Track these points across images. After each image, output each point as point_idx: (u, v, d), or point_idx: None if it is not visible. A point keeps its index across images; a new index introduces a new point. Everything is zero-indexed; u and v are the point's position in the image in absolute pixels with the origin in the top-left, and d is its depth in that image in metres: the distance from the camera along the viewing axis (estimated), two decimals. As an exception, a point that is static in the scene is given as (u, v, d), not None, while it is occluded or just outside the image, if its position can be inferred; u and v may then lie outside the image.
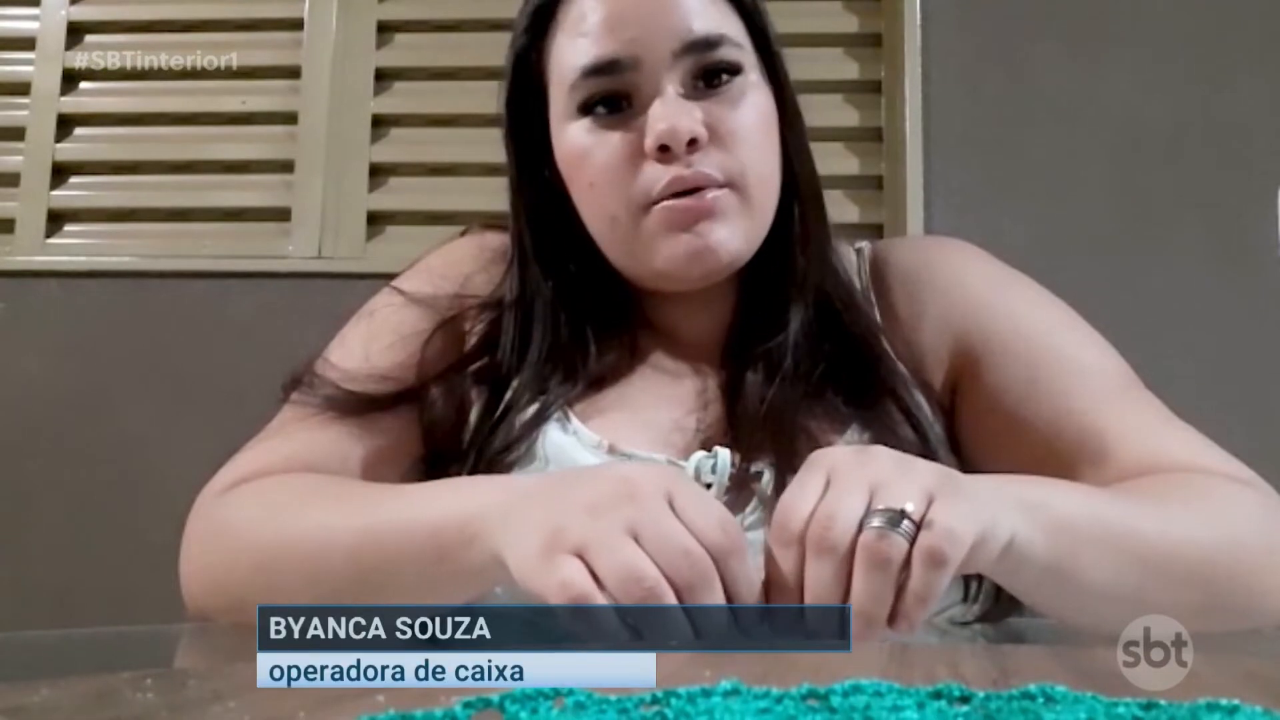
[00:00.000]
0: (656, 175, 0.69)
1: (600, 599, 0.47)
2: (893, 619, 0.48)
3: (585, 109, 0.72)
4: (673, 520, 0.49)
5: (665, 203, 0.69)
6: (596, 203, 0.73)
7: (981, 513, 0.50)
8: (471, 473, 0.72)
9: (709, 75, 0.71)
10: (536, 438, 0.72)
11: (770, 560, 0.51)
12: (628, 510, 0.49)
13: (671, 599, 0.47)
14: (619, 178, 0.70)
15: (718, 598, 0.49)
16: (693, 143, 0.69)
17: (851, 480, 0.50)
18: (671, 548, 0.48)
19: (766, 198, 0.73)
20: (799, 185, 0.76)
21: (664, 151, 0.69)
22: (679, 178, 0.69)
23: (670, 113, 0.69)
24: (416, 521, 0.59)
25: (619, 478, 0.52)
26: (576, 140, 0.72)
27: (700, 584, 0.48)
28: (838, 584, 0.48)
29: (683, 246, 0.70)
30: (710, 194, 0.69)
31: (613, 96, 0.71)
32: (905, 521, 0.48)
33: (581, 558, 0.48)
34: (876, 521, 0.48)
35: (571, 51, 0.72)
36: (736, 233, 0.70)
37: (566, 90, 0.72)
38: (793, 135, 0.75)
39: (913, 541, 0.48)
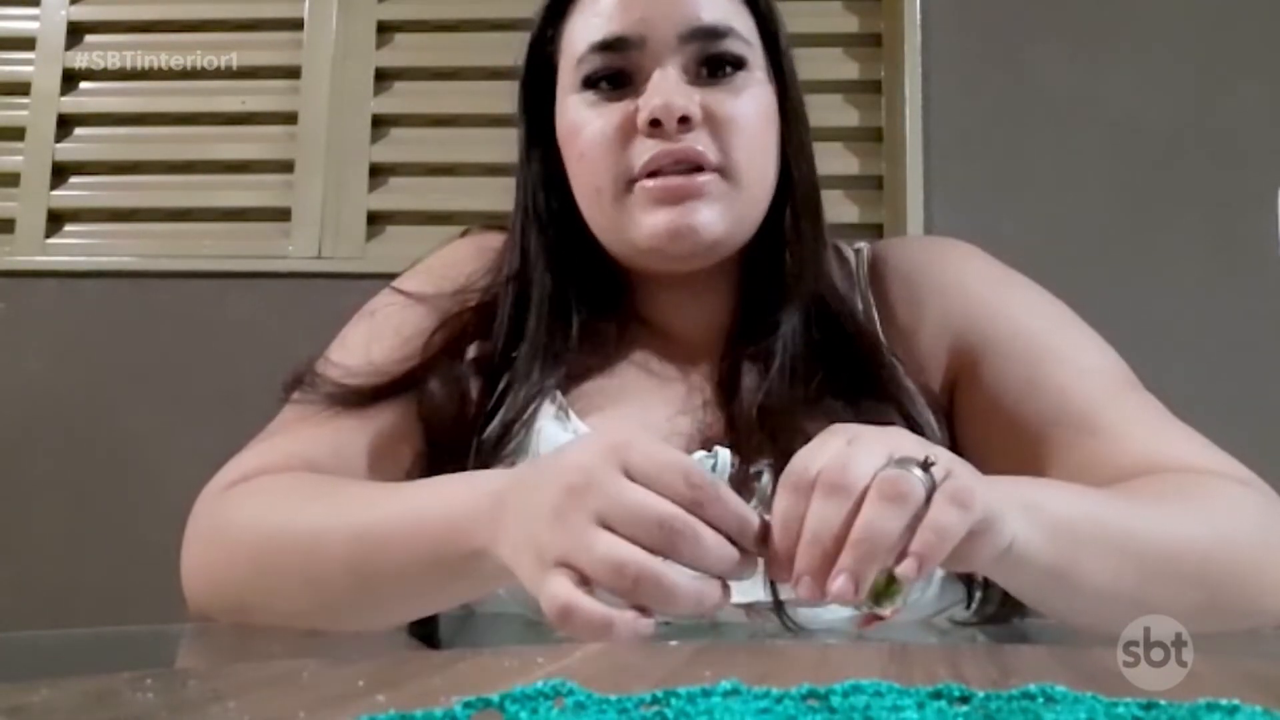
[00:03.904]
0: (645, 150, 0.70)
1: (585, 602, 0.47)
2: (900, 560, 0.46)
3: (588, 83, 0.73)
4: (634, 492, 0.48)
5: (651, 180, 0.70)
6: (585, 174, 0.74)
7: (992, 498, 0.50)
8: (473, 466, 0.72)
9: (712, 65, 0.72)
10: (530, 431, 0.72)
11: (777, 506, 0.49)
12: (587, 502, 0.49)
13: (661, 571, 0.47)
14: (609, 150, 0.71)
15: (707, 542, 0.48)
16: (685, 121, 0.69)
17: (872, 440, 0.49)
18: (642, 521, 0.48)
19: (757, 189, 0.73)
20: (794, 188, 0.76)
21: (655, 126, 0.70)
22: (666, 150, 0.69)
23: (666, 89, 0.70)
24: (413, 527, 0.59)
25: (570, 469, 0.51)
26: (575, 112, 0.74)
27: (683, 539, 0.47)
28: (842, 523, 0.46)
29: (665, 222, 0.70)
30: (699, 177, 0.70)
31: (616, 74, 0.72)
32: (926, 474, 0.47)
33: (568, 566, 0.48)
34: (895, 466, 0.47)
35: (584, 28, 0.73)
36: (722, 216, 0.71)
37: (574, 65, 0.74)
38: (793, 138, 0.76)
39: (929, 494, 0.47)
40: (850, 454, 0.48)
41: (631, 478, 0.49)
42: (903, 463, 0.48)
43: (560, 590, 0.48)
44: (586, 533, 0.48)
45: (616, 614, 0.47)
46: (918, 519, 0.47)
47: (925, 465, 0.47)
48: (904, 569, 0.46)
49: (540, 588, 0.49)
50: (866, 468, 0.48)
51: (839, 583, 0.46)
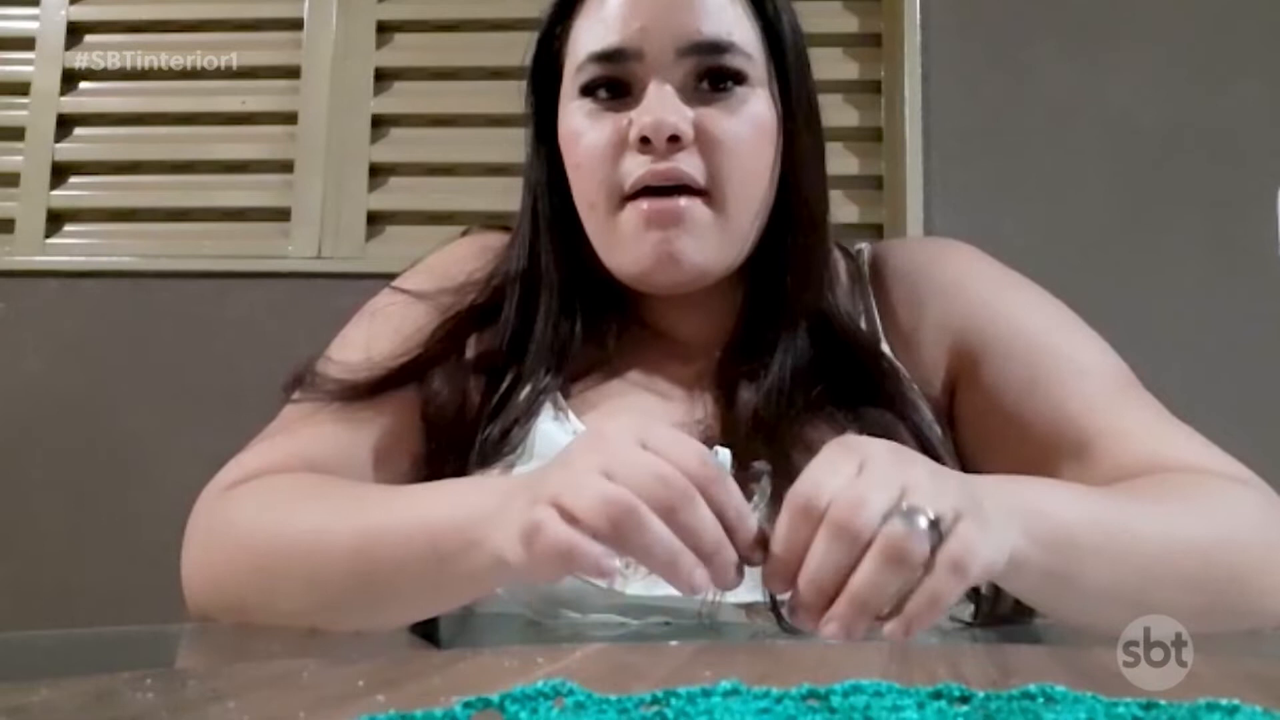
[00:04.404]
0: (634, 166, 0.70)
1: (556, 525, 0.47)
2: (889, 618, 0.47)
3: (587, 91, 0.73)
4: (644, 453, 0.49)
5: (638, 202, 0.70)
6: (580, 185, 0.74)
7: (1001, 540, 0.50)
8: (474, 465, 0.72)
9: (711, 79, 0.71)
10: (529, 432, 0.72)
11: (781, 525, 0.49)
12: (597, 456, 0.49)
13: (645, 512, 0.47)
14: (601, 163, 0.72)
15: (703, 514, 0.48)
16: (675, 140, 0.69)
17: (886, 473, 0.49)
18: (644, 474, 0.48)
19: (744, 212, 0.73)
20: (794, 206, 0.75)
21: (645, 144, 0.69)
22: (653, 170, 0.69)
23: (657, 107, 0.69)
24: (414, 526, 0.58)
25: (590, 434, 0.53)
26: (574, 120, 0.74)
27: (681, 502, 0.48)
28: (845, 565, 0.47)
29: (649, 250, 0.70)
30: (683, 201, 0.70)
31: (614, 82, 0.72)
32: (932, 530, 0.47)
33: (557, 506, 0.49)
34: (902, 521, 0.47)
35: (587, 35, 0.73)
36: (704, 245, 0.71)
37: (574, 71, 0.74)
38: (797, 154, 0.75)
39: (934, 549, 0.47)
40: (862, 491, 0.48)
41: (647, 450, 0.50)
42: (910, 514, 0.47)
43: (537, 514, 0.48)
44: (587, 476, 0.49)
45: (582, 540, 0.47)
46: (918, 573, 0.47)
47: (931, 523, 0.47)
48: (891, 630, 0.47)
49: (522, 523, 0.49)
50: (876, 510, 0.47)
51: (830, 628, 0.47)
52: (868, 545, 0.46)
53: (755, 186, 0.73)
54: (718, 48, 0.71)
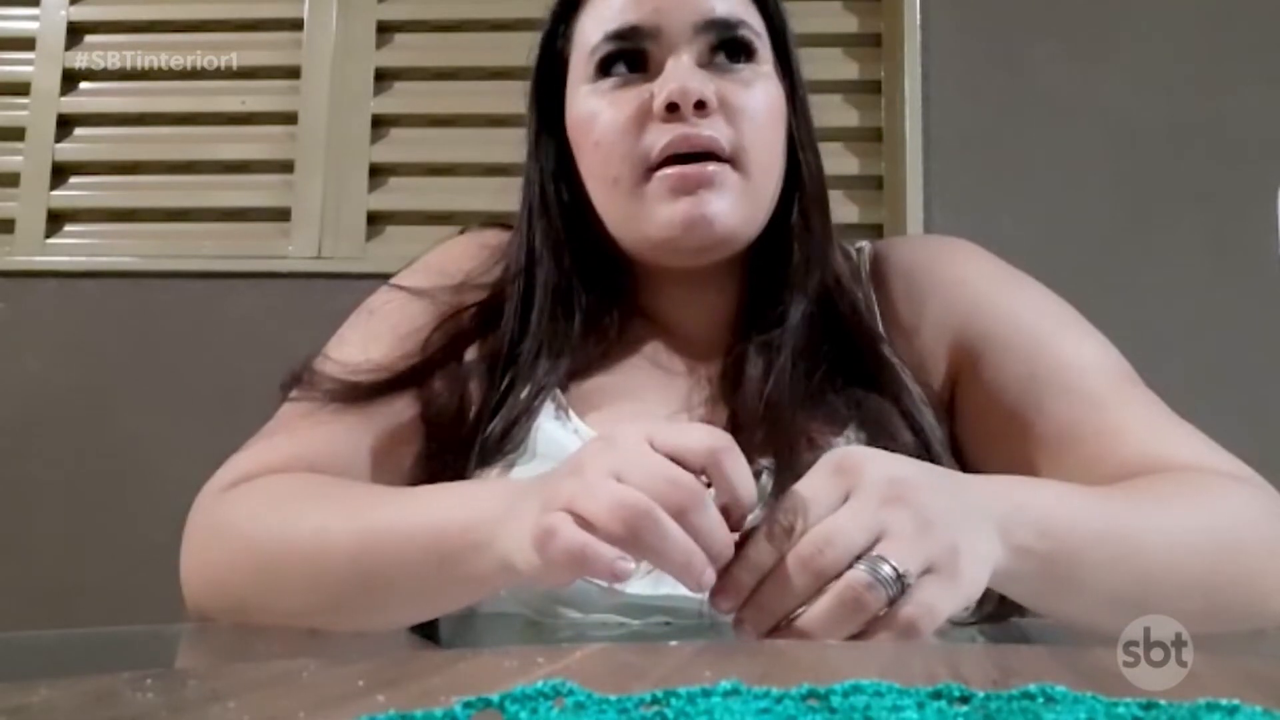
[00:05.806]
0: (661, 135, 0.71)
1: (570, 528, 0.48)
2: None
3: (602, 69, 0.74)
4: (654, 455, 0.49)
5: (666, 169, 0.70)
6: (600, 163, 0.74)
7: (969, 587, 0.50)
8: (475, 465, 0.72)
9: (727, 51, 0.73)
10: (530, 430, 0.72)
11: (749, 546, 0.50)
12: (607, 459, 0.50)
13: (660, 514, 0.47)
14: (624, 136, 0.72)
15: (712, 515, 0.48)
16: (701, 106, 0.70)
17: (866, 511, 0.48)
18: (655, 477, 0.48)
19: (767, 182, 0.74)
20: (802, 181, 0.77)
21: (671, 111, 0.70)
22: (683, 136, 0.70)
23: (682, 74, 0.71)
24: (418, 526, 0.58)
25: (600, 439, 0.53)
26: (588, 102, 0.74)
27: (691, 503, 0.48)
28: (801, 599, 0.48)
29: (680, 213, 0.70)
30: (711, 166, 0.70)
31: (631, 60, 0.73)
32: (897, 582, 0.47)
33: (571, 512, 0.49)
34: (867, 569, 0.47)
35: (596, 21, 0.74)
36: (734, 208, 0.71)
37: (587, 55, 0.74)
38: (801, 133, 0.77)
39: (893, 600, 0.47)
40: (834, 529, 0.48)
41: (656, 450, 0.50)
42: (877, 563, 0.47)
43: (551, 519, 0.49)
44: (599, 479, 0.49)
45: (595, 543, 0.47)
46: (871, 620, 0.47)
47: (898, 577, 0.47)
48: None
49: (536, 535, 0.50)
50: (844, 552, 0.47)
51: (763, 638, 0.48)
52: (831, 580, 0.47)
53: (773, 157, 0.74)
54: (731, 24, 0.73)
